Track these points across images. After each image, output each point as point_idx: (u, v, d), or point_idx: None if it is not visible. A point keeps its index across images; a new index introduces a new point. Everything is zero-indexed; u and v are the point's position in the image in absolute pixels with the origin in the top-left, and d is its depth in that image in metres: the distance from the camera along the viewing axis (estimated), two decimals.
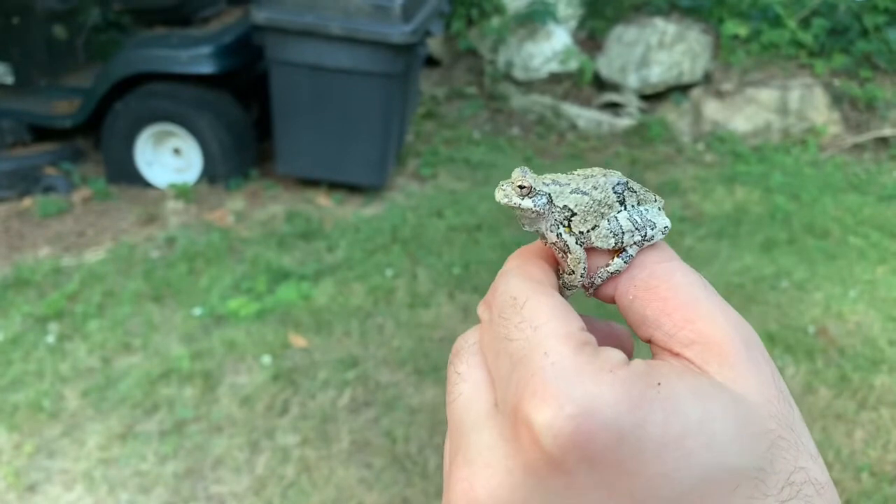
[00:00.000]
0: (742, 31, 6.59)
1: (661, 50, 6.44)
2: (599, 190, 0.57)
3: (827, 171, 5.80)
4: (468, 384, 0.49)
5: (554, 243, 0.57)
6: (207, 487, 2.79)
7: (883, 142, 6.19)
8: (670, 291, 0.49)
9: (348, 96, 4.59)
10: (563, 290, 0.56)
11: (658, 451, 0.40)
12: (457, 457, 0.46)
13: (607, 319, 0.56)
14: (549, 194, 0.57)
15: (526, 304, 0.47)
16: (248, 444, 2.97)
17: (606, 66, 6.61)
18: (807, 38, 6.52)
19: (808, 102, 6.27)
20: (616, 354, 0.44)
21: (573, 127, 6.41)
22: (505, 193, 0.58)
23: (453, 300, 3.90)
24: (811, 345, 3.66)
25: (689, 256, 4.28)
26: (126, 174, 4.99)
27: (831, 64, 6.49)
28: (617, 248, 0.55)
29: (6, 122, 5.11)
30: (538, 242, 0.58)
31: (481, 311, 0.52)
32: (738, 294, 4.05)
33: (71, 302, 3.75)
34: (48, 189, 4.86)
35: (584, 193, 0.57)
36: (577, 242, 0.56)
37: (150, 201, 4.82)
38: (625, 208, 0.57)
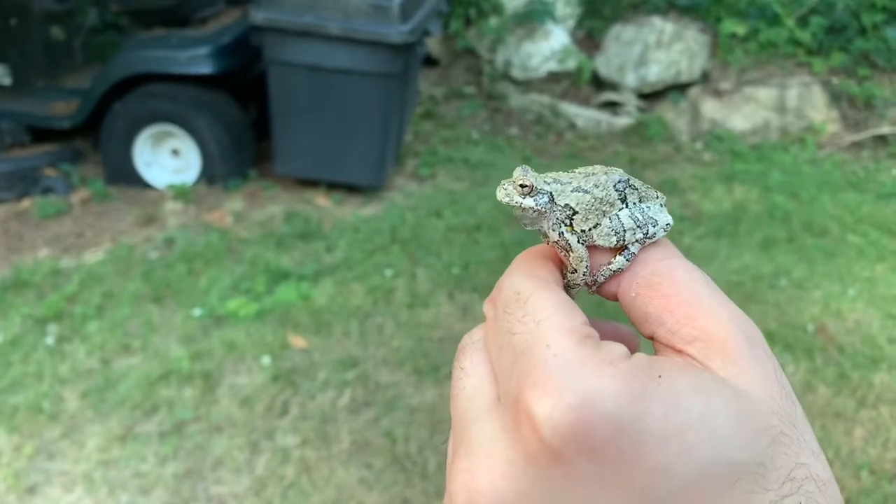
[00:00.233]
0: (740, 29, 6.59)
1: (659, 49, 6.44)
2: (601, 188, 0.57)
3: (825, 170, 5.81)
4: (472, 379, 0.49)
5: (556, 242, 0.57)
6: (207, 488, 2.79)
7: (881, 140, 6.20)
8: (672, 288, 0.49)
9: (347, 96, 4.59)
10: (567, 288, 0.56)
11: (658, 443, 0.40)
12: (459, 449, 0.46)
13: (611, 320, 0.56)
14: (551, 193, 0.57)
15: (529, 299, 0.48)
16: (247, 444, 2.97)
17: (605, 65, 6.61)
18: (805, 36, 6.52)
19: (806, 101, 6.28)
20: (618, 348, 0.44)
21: (572, 126, 6.41)
22: (506, 192, 0.58)
23: (453, 300, 3.90)
24: (810, 343, 3.67)
25: (688, 255, 4.23)
26: (125, 175, 4.99)
27: (829, 62, 6.49)
28: (619, 245, 0.55)
29: (5, 123, 5.11)
30: (544, 244, 0.58)
31: (486, 308, 0.52)
32: (738, 293, 4.06)
33: (70, 303, 3.74)
34: (47, 190, 4.86)
35: (586, 192, 0.57)
36: (578, 241, 0.56)
37: (149, 202, 4.82)
38: (626, 206, 0.57)
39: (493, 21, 6.69)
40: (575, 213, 0.56)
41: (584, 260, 0.55)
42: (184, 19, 5.23)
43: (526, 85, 6.69)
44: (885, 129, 6.19)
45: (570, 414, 0.40)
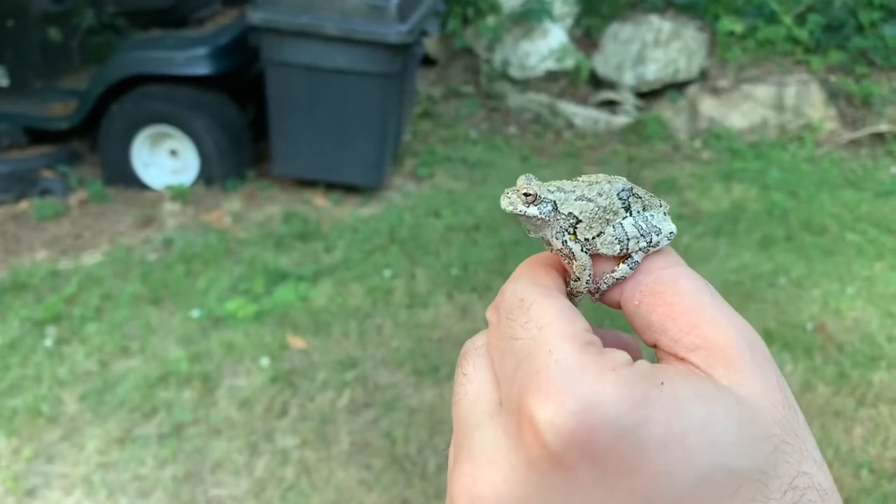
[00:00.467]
0: (738, 27, 6.59)
1: (656, 47, 6.44)
2: (604, 196, 0.57)
3: (824, 168, 5.81)
4: (474, 384, 0.49)
5: (559, 250, 0.57)
6: (207, 491, 2.79)
7: (879, 137, 6.20)
8: (676, 297, 0.49)
9: (345, 97, 4.59)
10: (571, 296, 0.56)
11: (660, 450, 0.40)
12: (460, 454, 0.46)
13: (614, 329, 0.56)
14: (555, 201, 0.57)
15: (532, 305, 0.48)
16: (247, 446, 2.96)
17: (602, 63, 6.60)
18: (802, 34, 6.52)
19: (804, 99, 6.28)
20: (620, 355, 0.45)
21: (570, 125, 6.41)
22: (510, 201, 0.58)
23: (452, 300, 3.90)
24: (809, 342, 3.67)
25: (686, 254, 4.28)
26: (123, 176, 4.98)
27: (827, 60, 6.49)
28: (622, 254, 0.55)
29: (2, 124, 5.10)
30: (548, 252, 0.58)
31: (489, 314, 0.53)
32: (736, 292, 4.06)
33: (68, 305, 3.74)
34: (44, 192, 4.85)
35: (589, 200, 0.57)
36: (582, 249, 0.56)
37: (147, 203, 4.81)
38: (630, 214, 0.57)
39: (491, 20, 6.69)
40: (578, 221, 0.57)
41: (588, 268, 0.55)
42: (181, 20, 5.23)
43: (524, 84, 6.69)
44: (883, 127, 6.19)
45: (573, 420, 0.40)
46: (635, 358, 0.54)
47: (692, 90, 6.47)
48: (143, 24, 5.39)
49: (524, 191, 0.57)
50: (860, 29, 6.54)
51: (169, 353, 3.44)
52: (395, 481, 2.84)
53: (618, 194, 0.57)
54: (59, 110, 5.19)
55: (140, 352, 3.45)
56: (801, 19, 6.64)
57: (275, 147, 4.85)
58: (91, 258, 4.19)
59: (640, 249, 0.54)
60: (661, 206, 0.59)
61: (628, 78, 6.48)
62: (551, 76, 6.70)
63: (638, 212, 0.57)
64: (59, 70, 5.53)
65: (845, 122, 6.32)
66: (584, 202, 0.57)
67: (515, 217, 0.58)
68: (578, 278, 0.56)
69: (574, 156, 5.92)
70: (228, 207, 4.75)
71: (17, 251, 4.27)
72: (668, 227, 0.56)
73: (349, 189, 5.01)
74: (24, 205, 4.74)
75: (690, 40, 6.47)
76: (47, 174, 4.97)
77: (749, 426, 0.42)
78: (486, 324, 0.53)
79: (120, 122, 4.88)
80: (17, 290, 3.85)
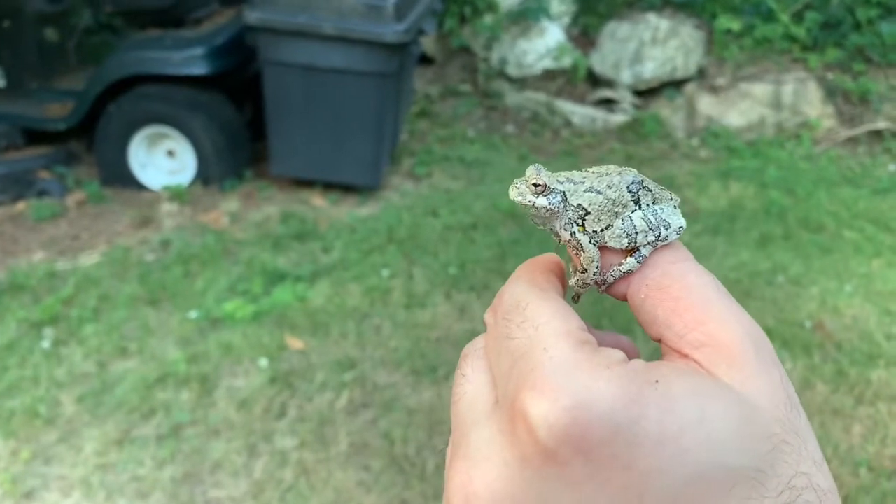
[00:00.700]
0: (735, 25, 6.59)
1: (654, 45, 6.44)
2: (614, 189, 0.56)
3: (821, 165, 5.81)
4: (472, 385, 0.49)
5: (567, 242, 0.57)
6: (206, 492, 2.78)
7: (877, 135, 6.20)
8: (683, 292, 0.49)
9: (342, 96, 4.58)
10: (577, 287, 0.56)
11: (653, 446, 0.40)
12: (457, 453, 0.46)
13: (612, 331, 0.56)
14: (564, 192, 0.57)
15: (529, 306, 0.48)
16: (245, 447, 2.96)
17: (600, 62, 6.60)
18: (800, 32, 6.52)
19: (801, 96, 6.28)
20: (616, 354, 0.45)
21: (567, 123, 6.41)
22: (519, 191, 0.58)
23: (450, 300, 3.90)
24: (808, 340, 3.67)
25: None
26: (120, 177, 4.98)
27: (824, 58, 6.49)
28: (630, 248, 0.54)
29: None
30: (546, 255, 0.58)
31: (488, 317, 0.53)
32: (735, 290, 4.05)
33: (66, 306, 3.73)
34: (42, 193, 4.84)
35: (599, 192, 0.56)
36: (590, 241, 0.56)
37: (145, 204, 4.81)
38: (639, 207, 0.56)
39: (488, 19, 6.68)
40: (587, 213, 0.56)
41: (595, 261, 0.55)
42: (178, 20, 5.22)
43: (521, 83, 6.69)
44: (880, 125, 6.19)
45: (566, 415, 0.40)
46: (632, 359, 0.54)
47: (690, 88, 6.47)
48: (141, 24, 5.38)
49: (534, 181, 0.57)
50: (857, 26, 6.54)
51: (167, 354, 3.43)
52: (393, 482, 2.84)
53: (627, 187, 0.57)
54: (56, 111, 5.18)
55: (138, 353, 3.44)
56: (798, 17, 6.64)
57: (272, 147, 4.84)
58: (89, 259, 4.18)
59: (648, 243, 0.54)
60: (671, 199, 0.58)
61: (626, 76, 6.48)
62: (549, 75, 6.70)
63: (648, 205, 0.57)
64: (56, 70, 5.52)
65: (843, 120, 6.32)
66: (594, 194, 0.56)
67: (524, 207, 0.58)
68: (586, 270, 0.55)
69: (572, 154, 5.92)
70: (226, 208, 4.75)
71: (14, 252, 4.26)
72: (678, 221, 0.56)
73: (347, 189, 5.01)
74: (21, 206, 4.73)
75: (688, 38, 6.47)
76: (44, 175, 4.96)
77: (748, 424, 0.42)
78: (484, 325, 0.54)
79: (117, 123, 4.87)
80: (14, 292, 3.85)
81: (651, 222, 0.55)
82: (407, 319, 3.73)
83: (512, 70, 6.68)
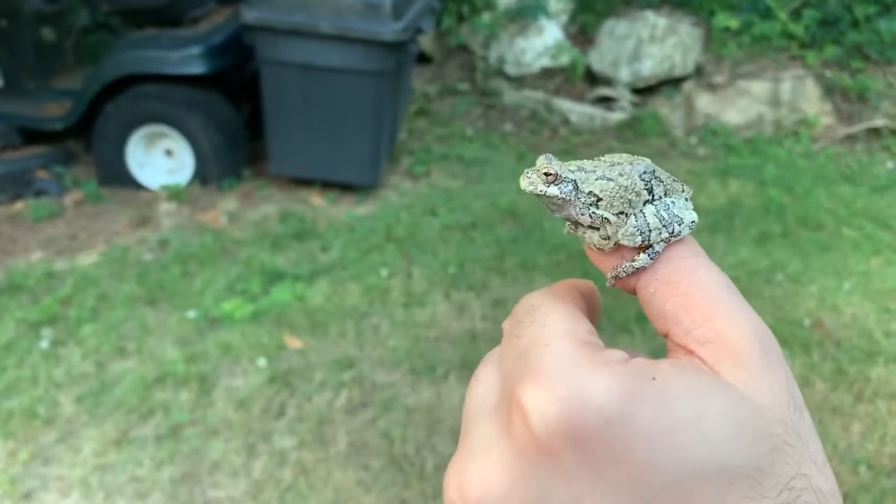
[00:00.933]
0: (733, 23, 6.59)
1: (652, 43, 6.43)
2: (626, 177, 0.56)
3: (820, 163, 5.81)
4: (482, 385, 0.50)
5: (590, 225, 0.57)
6: (205, 492, 2.78)
7: (875, 132, 6.20)
8: (692, 287, 0.49)
9: (340, 95, 4.58)
10: (612, 274, 0.56)
11: (647, 441, 0.41)
12: (459, 447, 0.47)
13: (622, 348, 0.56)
14: (575, 181, 0.57)
15: (541, 308, 0.49)
16: (244, 447, 2.96)
17: (598, 60, 6.60)
18: (798, 29, 6.52)
19: (799, 94, 6.28)
20: (617, 353, 0.45)
21: (566, 122, 6.41)
22: (530, 181, 0.58)
23: (449, 299, 3.89)
24: (807, 338, 3.67)
25: None
26: (118, 176, 4.97)
27: (823, 55, 6.49)
28: (643, 245, 0.54)
29: None
30: (583, 280, 0.57)
31: (505, 323, 0.54)
32: None
33: (64, 306, 3.73)
34: (40, 193, 4.83)
35: (610, 180, 0.56)
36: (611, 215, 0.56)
37: (143, 203, 4.80)
38: (652, 198, 0.56)
39: (486, 17, 6.67)
40: (599, 200, 0.56)
41: (620, 229, 0.55)
42: (175, 19, 5.21)
43: (519, 81, 6.68)
44: (878, 122, 6.19)
45: (559, 406, 0.41)
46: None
47: (688, 86, 6.47)
48: (138, 23, 5.37)
49: (544, 170, 0.57)
50: (855, 23, 6.54)
51: (166, 353, 3.43)
52: (393, 481, 2.84)
53: (640, 175, 0.57)
54: (54, 110, 5.17)
55: (137, 353, 3.44)
56: (796, 14, 6.64)
57: (270, 146, 4.84)
58: (87, 259, 4.18)
59: (661, 240, 0.54)
60: (683, 190, 0.58)
61: (624, 74, 6.47)
62: (547, 73, 6.70)
63: (660, 197, 0.56)
64: (54, 70, 5.51)
65: (841, 117, 6.32)
66: (605, 181, 0.56)
67: (538, 197, 0.58)
68: (609, 237, 0.56)
69: (570, 153, 5.91)
70: (224, 207, 4.74)
71: (12, 252, 4.25)
72: (690, 216, 0.55)
73: (345, 188, 5.00)
74: (19, 206, 4.73)
75: (686, 36, 6.46)
76: (42, 175, 4.95)
77: (747, 423, 0.42)
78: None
79: (115, 122, 4.86)
80: (12, 292, 3.84)
81: (664, 218, 0.54)
82: (406, 318, 3.72)
83: (510, 68, 6.67)
